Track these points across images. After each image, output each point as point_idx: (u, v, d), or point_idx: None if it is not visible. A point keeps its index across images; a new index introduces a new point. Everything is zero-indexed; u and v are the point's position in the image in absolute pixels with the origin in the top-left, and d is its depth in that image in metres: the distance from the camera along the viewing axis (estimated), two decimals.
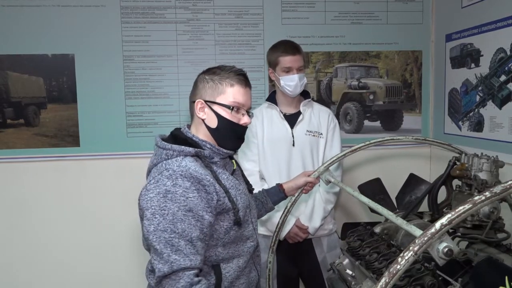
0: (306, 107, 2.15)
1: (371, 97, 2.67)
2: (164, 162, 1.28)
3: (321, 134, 2.14)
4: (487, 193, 0.93)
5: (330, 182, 1.84)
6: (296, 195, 1.83)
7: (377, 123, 2.70)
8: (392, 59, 2.68)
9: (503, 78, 2.06)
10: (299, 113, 2.14)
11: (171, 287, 1.16)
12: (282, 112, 2.13)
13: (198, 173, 1.24)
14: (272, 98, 2.18)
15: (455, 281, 1.25)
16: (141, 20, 2.46)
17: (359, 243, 1.54)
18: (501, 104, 2.09)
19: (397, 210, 1.81)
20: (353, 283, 1.49)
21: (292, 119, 2.12)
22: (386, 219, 1.60)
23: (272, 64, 2.10)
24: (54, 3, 2.39)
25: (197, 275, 1.20)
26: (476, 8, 2.24)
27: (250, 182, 1.62)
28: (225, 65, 1.42)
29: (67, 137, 2.46)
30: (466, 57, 2.32)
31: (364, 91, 2.67)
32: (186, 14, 2.49)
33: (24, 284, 2.48)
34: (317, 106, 2.21)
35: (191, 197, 1.21)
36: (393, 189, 1.98)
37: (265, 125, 2.13)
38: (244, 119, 1.38)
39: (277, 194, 1.73)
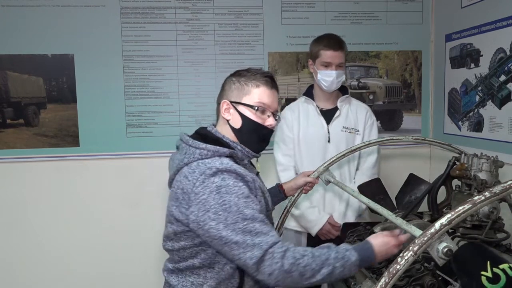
0: (343, 103, 2.12)
1: (371, 97, 2.67)
2: (200, 161, 1.27)
3: (358, 130, 2.11)
4: (487, 193, 0.93)
5: (329, 182, 1.84)
6: (296, 195, 1.83)
7: (377, 123, 2.69)
8: (392, 59, 2.68)
9: (502, 78, 2.06)
10: (336, 108, 2.11)
11: (271, 266, 1.16)
12: (318, 107, 2.11)
13: (241, 169, 1.26)
14: (309, 93, 2.16)
15: (455, 281, 1.25)
16: (141, 20, 2.46)
17: (359, 243, 1.54)
18: (500, 104, 2.09)
19: (397, 210, 1.81)
20: (353, 283, 1.49)
21: (328, 115, 2.10)
22: (386, 219, 1.60)
23: (313, 56, 2.07)
24: (54, 3, 2.38)
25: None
26: (476, 8, 2.24)
27: (285, 177, 1.61)
28: (253, 67, 1.42)
29: (67, 137, 2.46)
30: (466, 57, 2.32)
31: (364, 91, 2.67)
32: (185, 14, 2.49)
33: (24, 284, 2.48)
34: (355, 102, 2.18)
35: (242, 185, 1.23)
36: (393, 189, 1.98)
37: (301, 120, 2.11)
38: (269, 121, 1.37)
39: (277, 194, 1.73)
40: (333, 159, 1.86)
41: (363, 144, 1.91)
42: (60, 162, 2.46)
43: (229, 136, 1.37)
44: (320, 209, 2.11)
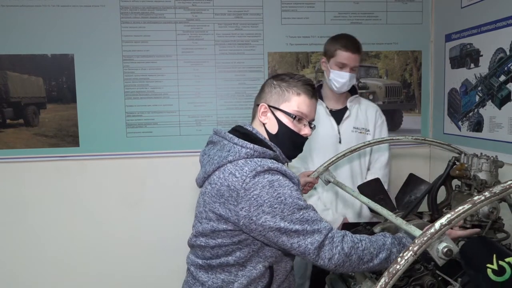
0: (353, 103, 2.11)
1: (371, 97, 2.67)
2: (248, 160, 1.27)
3: (368, 130, 2.10)
4: (487, 193, 0.93)
5: (329, 182, 1.84)
6: None
7: None
8: (392, 59, 2.68)
9: (502, 78, 2.06)
10: (345, 108, 2.09)
11: (331, 250, 1.18)
12: (328, 108, 2.09)
13: (289, 170, 1.29)
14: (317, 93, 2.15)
15: (455, 281, 1.26)
16: (141, 20, 2.46)
17: None
18: (500, 104, 2.09)
19: (397, 210, 1.81)
20: (352, 283, 1.49)
21: (338, 115, 2.08)
22: (386, 219, 1.60)
23: (328, 55, 2.03)
24: (54, 3, 2.39)
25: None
26: (476, 8, 2.24)
27: None
28: (294, 73, 1.44)
29: (66, 137, 2.46)
30: (466, 57, 2.32)
31: (364, 91, 2.66)
32: (185, 14, 2.49)
33: (24, 284, 2.48)
34: (364, 102, 2.17)
35: (290, 182, 1.26)
36: (393, 189, 1.98)
37: None
38: (305, 130, 1.38)
39: None
40: (333, 159, 1.86)
41: (362, 144, 1.91)
42: (60, 162, 2.46)
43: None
44: (333, 211, 2.09)
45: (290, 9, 2.57)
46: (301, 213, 1.20)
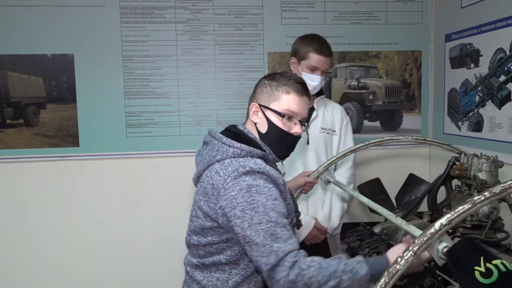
0: (319, 103, 2.11)
1: (371, 97, 2.67)
2: (233, 159, 1.27)
3: (335, 131, 2.11)
4: (487, 193, 0.94)
5: (329, 182, 1.85)
6: (295, 195, 1.83)
7: (377, 123, 2.70)
8: (392, 59, 2.68)
9: (502, 78, 2.06)
10: (312, 109, 2.09)
11: (280, 273, 1.17)
12: None
13: (273, 171, 1.28)
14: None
15: (455, 281, 1.26)
16: (141, 20, 2.46)
17: (359, 243, 1.54)
18: (500, 104, 2.09)
19: (397, 210, 1.81)
20: None
21: None
22: (386, 219, 1.60)
23: (299, 56, 2.02)
24: (54, 3, 2.38)
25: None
26: (476, 8, 2.24)
27: None
28: (287, 72, 1.43)
29: (66, 137, 2.46)
30: (466, 57, 2.32)
31: (364, 91, 2.67)
32: (185, 14, 2.49)
33: (24, 284, 2.47)
34: (330, 103, 2.17)
35: (272, 187, 1.24)
36: (392, 189, 1.98)
37: None
38: (295, 129, 1.38)
39: None
40: (333, 159, 1.86)
41: (362, 144, 1.91)
42: (60, 162, 2.46)
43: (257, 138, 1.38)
44: (304, 214, 2.07)
45: (290, 9, 2.57)
46: (268, 225, 1.18)
